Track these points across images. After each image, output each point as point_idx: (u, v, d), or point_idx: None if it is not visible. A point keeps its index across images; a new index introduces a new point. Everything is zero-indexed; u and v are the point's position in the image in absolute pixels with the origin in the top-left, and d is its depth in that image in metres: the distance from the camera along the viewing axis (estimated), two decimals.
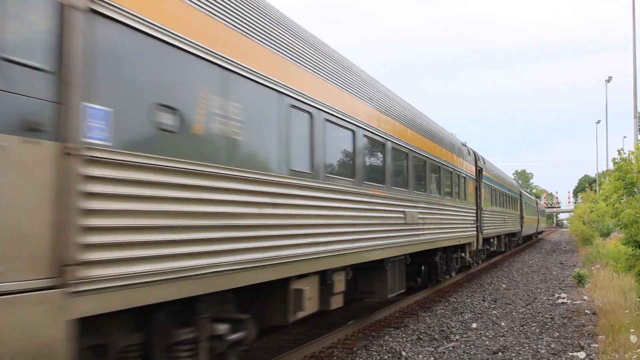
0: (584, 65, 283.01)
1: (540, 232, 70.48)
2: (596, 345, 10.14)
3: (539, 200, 71.00)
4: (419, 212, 13.22)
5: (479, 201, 21.32)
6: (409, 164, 12.88)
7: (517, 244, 40.13)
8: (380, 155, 11.13)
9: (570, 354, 9.82)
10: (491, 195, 25.59)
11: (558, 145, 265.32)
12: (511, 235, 35.48)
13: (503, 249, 32.10)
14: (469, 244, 19.62)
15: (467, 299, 16.62)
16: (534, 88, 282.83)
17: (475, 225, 20.27)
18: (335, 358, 9.66)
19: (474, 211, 20.33)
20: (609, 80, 56.05)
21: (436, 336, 11.43)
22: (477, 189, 21.45)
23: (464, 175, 19.09)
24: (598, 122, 70.39)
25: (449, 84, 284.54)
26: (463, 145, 20.40)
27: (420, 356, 9.84)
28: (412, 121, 13.51)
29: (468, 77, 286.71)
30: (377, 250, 10.43)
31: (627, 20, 79.50)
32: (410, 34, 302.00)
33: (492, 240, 26.22)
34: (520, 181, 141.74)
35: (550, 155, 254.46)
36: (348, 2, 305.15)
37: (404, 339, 11.16)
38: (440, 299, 16.58)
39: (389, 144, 11.43)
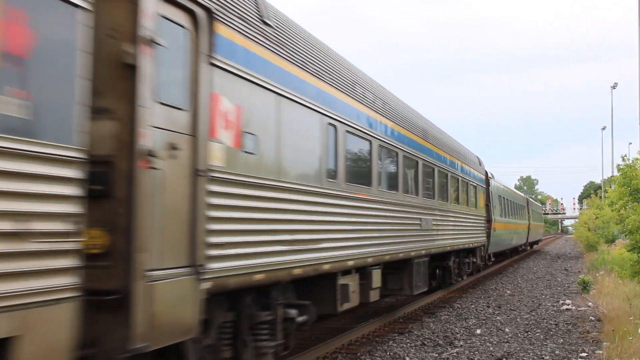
0: (590, 70, 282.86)
1: (535, 242, 53.65)
2: (600, 352, 10.13)
3: (531, 199, 50.62)
4: None
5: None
6: None
7: (475, 268, 21.98)
8: None
9: None
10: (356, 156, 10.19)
11: (563, 151, 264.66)
12: (466, 252, 19.73)
13: (423, 289, 13.80)
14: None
15: (472, 304, 16.61)
16: (538, 93, 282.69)
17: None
18: None
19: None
20: (614, 86, 56.22)
21: (440, 342, 11.42)
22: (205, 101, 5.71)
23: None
24: (603, 128, 70.73)
25: (452, 88, 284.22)
26: None
27: None
28: None
29: (471, 81, 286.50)
30: None
31: (632, 29, 79.46)
32: (409, 37, 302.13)
33: (350, 285, 9.25)
34: (525, 187, 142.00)
35: (555, 161, 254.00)
36: (346, 2, 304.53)
37: (408, 344, 11.17)
38: (445, 304, 16.57)
39: None
